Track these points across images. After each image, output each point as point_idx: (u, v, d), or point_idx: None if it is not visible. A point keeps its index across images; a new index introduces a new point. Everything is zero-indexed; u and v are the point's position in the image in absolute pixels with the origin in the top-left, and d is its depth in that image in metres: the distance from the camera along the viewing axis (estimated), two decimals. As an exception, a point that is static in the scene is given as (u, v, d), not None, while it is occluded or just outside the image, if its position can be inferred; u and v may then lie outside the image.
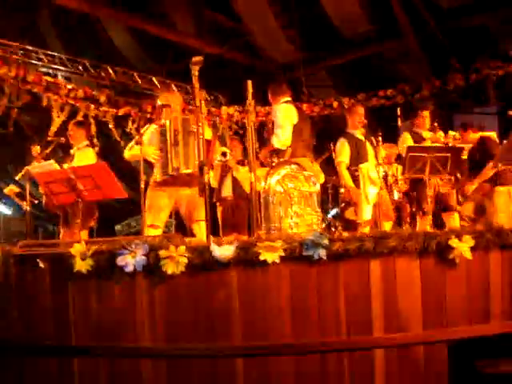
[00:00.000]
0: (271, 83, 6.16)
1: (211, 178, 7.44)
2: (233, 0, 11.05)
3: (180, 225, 7.07)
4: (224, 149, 7.43)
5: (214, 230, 7.08)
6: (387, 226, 6.53)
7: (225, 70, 12.62)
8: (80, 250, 3.54)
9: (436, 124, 6.75)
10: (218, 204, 7.70)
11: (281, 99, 5.79)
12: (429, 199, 6.14)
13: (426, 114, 6.82)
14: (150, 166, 5.49)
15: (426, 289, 3.56)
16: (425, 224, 6.31)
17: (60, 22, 13.06)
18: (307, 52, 11.73)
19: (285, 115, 5.58)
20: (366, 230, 6.06)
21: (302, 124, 5.67)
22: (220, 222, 7.65)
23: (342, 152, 6.45)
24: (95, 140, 9.32)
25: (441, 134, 6.69)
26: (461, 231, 3.63)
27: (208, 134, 5.04)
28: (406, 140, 6.70)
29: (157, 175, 5.20)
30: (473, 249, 3.56)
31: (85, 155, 6.29)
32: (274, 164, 4.67)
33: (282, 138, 5.41)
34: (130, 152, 5.33)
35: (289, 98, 5.83)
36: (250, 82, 4.09)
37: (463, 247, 3.53)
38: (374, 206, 6.35)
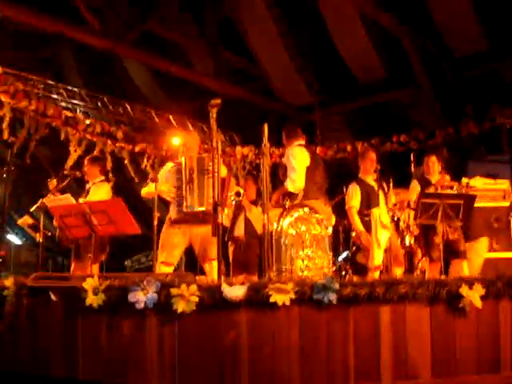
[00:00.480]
0: (286, 126, 6.22)
1: (224, 216, 7.51)
2: (250, 43, 11.26)
3: (190, 262, 7.10)
4: (238, 188, 7.53)
5: (225, 269, 7.11)
6: (398, 271, 6.51)
7: (241, 111, 12.78)
8: (92, 284, 3.58)
9: (440, 168, 6.75)
10: (229, 243, 7.71)
11: (294, 142, 5.83)
12: (440, 246, 6.10)
13: (433, 159, 6.80)
14: (164, 203, 5.55)
15: (436, 337, 3.56)
16: (434, 271, 6.27)
17: (81, 58, 13.35)
18: (323, 95, 11.88)
19: (298, 159, 5.61)
20: (376, 274, 6.04)
21: (315, 167, 5.68)
22: (231, 261, 7.65)
23: (353, 197, 6.50)
24: (110, 176, 9.42)
25: (447, 178, 6.68)
26: (471, 279, 3.63)
27: (223, 172, 5.11)
28: (415, 187, 6.71)
29: (172, 213, 5.25)
30: (483, 297, 3.56)
31: (100, 190, 6.34)
32: (286, 206, 4.69)
33: (296, 181, 5.44)
34: (146, 189, 5.41)
35: (302, 142, 5.87)
36: (266, 126, 4.16)
37: (473, 296, 3.54)
38: (385, 251, 6.35)
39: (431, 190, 6.49)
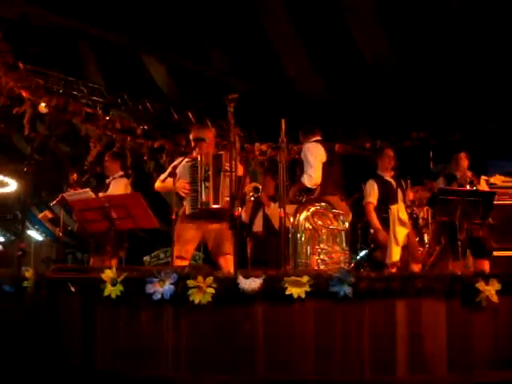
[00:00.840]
0: (303, 124, 6.25)
1: (243, 212, 7.53)
2: (270, 39, 11.25)
3: (208, 259, 7.13)
4: (256, 184, 7.54)
5: (243, 265, 7.12)
6: (416, 268, 6.50)
7: (259, 107, 12.78)
8: (110, 275, 3.63)
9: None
10: (248, 239, 7.74)
11: (311, 138, 5.87)
12: (458, 243, 6.06)
13: (462, 156, 6.74)
14: (180, 198, 5.58)
15: (452, 331, 3.55)
16: (457, 269, 6.22)
17: (101, 55, 13.45)
18: (341, 92, 11.84)
19: (315, 155, 5.65)
20: (394, 271, 6.04)
21: (332, 163, 5.72)
22: (249, 257, 7.68)
23: (371, 193, 6.52)
24: (130, 171, 9.50)
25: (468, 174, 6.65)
26: (488, 274, 3.62)
27: (239, 170, 5.10)
28: (439, 183, 6.69)
29: (186, 208, 5.28)
30: (500, 292, 3.55)
31: (119, 185, 6.42)
32: (303, 201, 4.71)
33: (313, 177, 5.47)
34: (162, 184, 5.42)
35: (319, 138, 5.90)
36: (283, 121, 4.18)
37: (490, 290, 3.53)
38: (402, 248, 6.34)
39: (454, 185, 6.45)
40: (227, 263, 5.21)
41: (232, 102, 4.04)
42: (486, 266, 6.39)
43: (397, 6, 9.80)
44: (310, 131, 5.97)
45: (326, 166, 5.63)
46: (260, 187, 7.42)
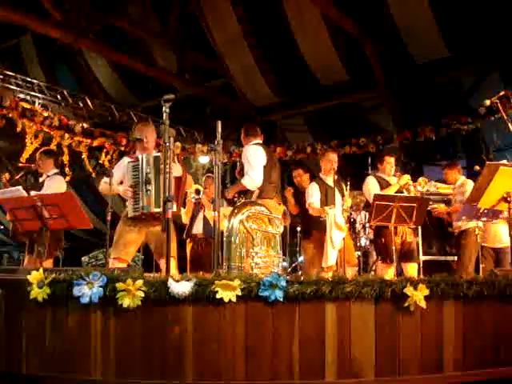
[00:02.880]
0: (245, 124, 6.24)
1: (183, 214, 7.47)
2: (213, 42, 11.25)
3: (148, 260, 7.04)
4: (197, 186, 7.50)
5: (182, 266, 7.07)
6: (352, 272, 6.58)
7: (204, 109, 12.76)
8: (37, 277, 3.53)
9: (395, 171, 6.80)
10: (187, 241, 7.68)
11: (252, 140, 5.84)
12: (393, 247, 6.15)
13: (392, 160, 6.83)
14: (122, 199, 5.49)
15: (381, 335, 3.60)
16: (388, 272, 6.32)
17: (43, 50, 13.16)
18: (284, 96, 11.94)
19: (256, 157, 5.62)
20: (329, 274, 6.08)
21: (271, 166, 5.70)
22: (188, 259, 7.62)
23: (313, 195, 6.60)
24: (67, 169, 9.30)
25: (405, 177, 6.73)
26: (416, 280, 3.69)
27: (177, 171, 5.06)
28: (370, 182, 6.69)
29: (128, 210, 5.19)
30: (427, 298, 3.63)
31: (54, 183, 6.26)
32: (237, 204, 4.69)
33: (255, 179, 5.44)
34: (103, 186, 5.33)
35: (259, 141, 5.88)
36: (219, 123, 4.17)
37: (418, 296, 3.60)
38: (339, 252, 6.40)
39: (391, 190, 6.51)
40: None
41: (168, 102, 3.99)
42: (414, 268, 6.51)
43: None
44: (252, 133, 5.93)
45: (266, 170, 5.61)
46: (201, 189, 7.42)
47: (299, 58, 11.02)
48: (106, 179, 5.34)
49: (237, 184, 5.68)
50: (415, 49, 10.27)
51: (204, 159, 11.04)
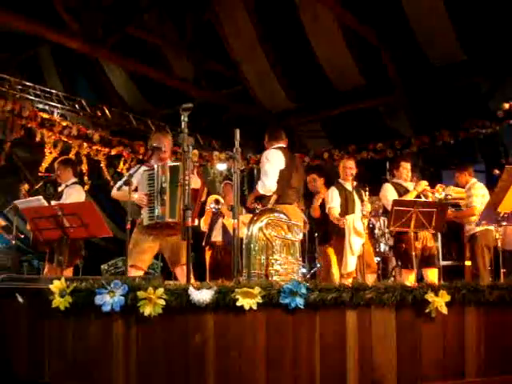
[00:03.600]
0: (268, 128, 6.15)
1: (202, 222, 7.50)
2: (229, 48, 11.28)
3: (166, 267, 7.06)
4: (216, 196, 7.52)
5: (201, 274, 7.08)
6: (371, 278, 6.55)
7: (221, 116, 12.80)
8: (59, 286, 3.55)
9: (411, 176, 6.77)
10: (207, 248, 7.70)
11: (274, 144, 5.72)
12: (413, 253, 6.11)
13: (408, 165, 6.79)
14: (138, 207, 5.52)
15: (402, 342, 3.58)
16: (409, 278, 6.27)
17: (60, 60, 13.28)
18: (301, 102, 11.94)
19: (272, 161, 5.53)
20: (349, 281, 6.06)
21: (292, 171, 5.60)
22: (208, 267, 7.64)
23: (333, 199, 6.60)
24: (86, 178, 9.38)
25: (423, 183, 6.69)
26: (437, 286, 3.67)
27: (196, 183, 5.05)
28: (387, 189, 6.66)
29: (143, 218, 5.22)
30: (449, 304, 3.60)
31: (73, 192, 6.31)
32: (257, 211, 4.68)
33: (266, 184, 5.38)
34: (118, 192, 5.33)
35: (283, 145, 5.74)
36: (237, 131, 4.17)
37: (439, 302, 3.58)
38: (358, 258, 6.39)
39: (409, 197, 6.47)
40: (184, 273, 5.16)
41: (186, 111, 4.01)
42: (435, 273, 6.47)
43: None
44: (276, 136, 5.81)
45: (286, 174, 5.52)
46: (221, 200, 7.43)
47: (315, 63, 11.01)
48: (119, 185, 5.31)
49: (254, 191, 5.66)
50: (432, 53, 10.23)
51: (222, 166, 11.11)
